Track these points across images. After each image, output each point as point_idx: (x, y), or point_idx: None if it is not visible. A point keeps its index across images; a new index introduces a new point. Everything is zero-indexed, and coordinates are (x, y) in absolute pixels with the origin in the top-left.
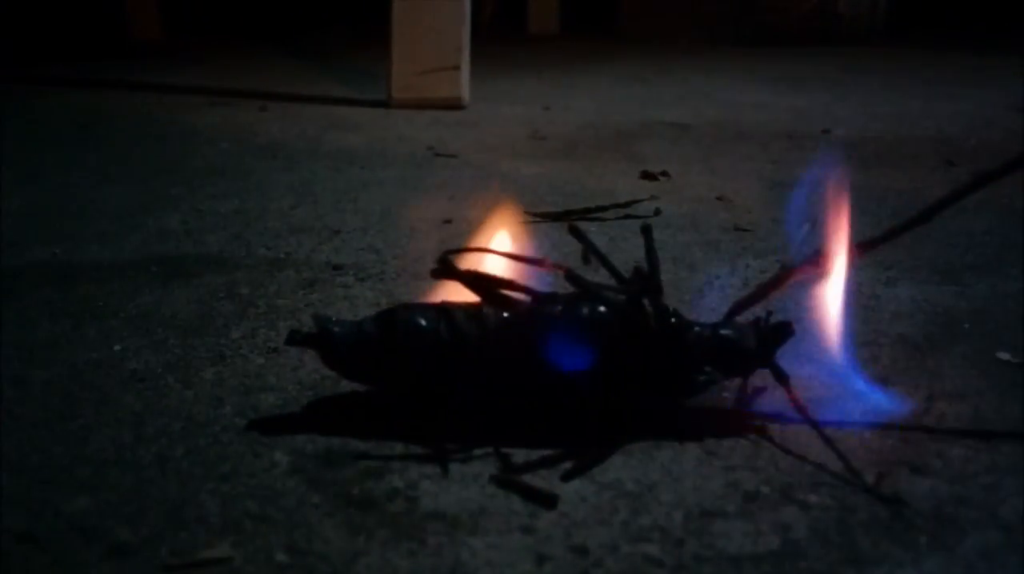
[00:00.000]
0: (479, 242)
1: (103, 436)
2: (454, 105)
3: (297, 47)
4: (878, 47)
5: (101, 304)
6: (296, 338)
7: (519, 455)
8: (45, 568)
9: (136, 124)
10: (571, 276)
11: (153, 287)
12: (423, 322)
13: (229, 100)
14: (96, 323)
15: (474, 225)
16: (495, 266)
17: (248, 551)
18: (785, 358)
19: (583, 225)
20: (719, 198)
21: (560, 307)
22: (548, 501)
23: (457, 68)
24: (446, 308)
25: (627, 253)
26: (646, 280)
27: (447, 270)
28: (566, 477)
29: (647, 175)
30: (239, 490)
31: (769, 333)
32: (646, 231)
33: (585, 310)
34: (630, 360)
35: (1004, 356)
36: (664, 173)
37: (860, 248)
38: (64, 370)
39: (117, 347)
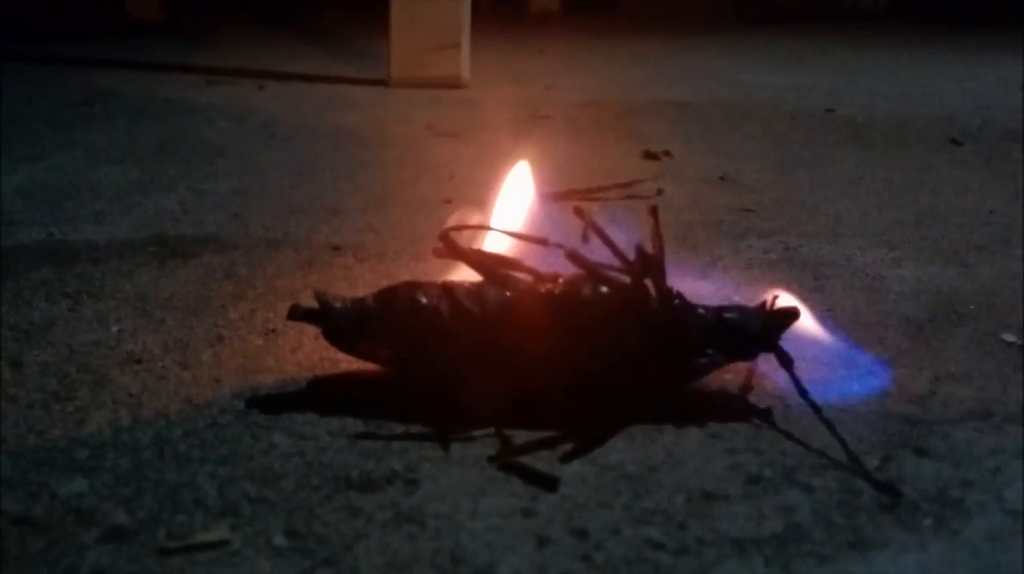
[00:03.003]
0: (481, 221)
1: (100, 418)
2: (454, 84)
3: (295, 25)
4: (882, 26)
5: (98, 285)
6: (297, 313)
7: (520, 437)
8: (41, 551)
9: (134, 103)
10: (573, 256)
11: (151, 268)
12: (424, 299)
13: (227, 79)
14: (93, 304)
15: (476, 205)
16: (497, 245)
17: (246, 534)
18: (788, 341)
19: (585, 205)
20: (722, 178)
21: (562, 287)
22: (549, 484)
23: (457, 47)
24: (448, 286)
25: (629, 233)
26: (649, 261)
27: (449, 249)
28: (567, 459)
29: (650, 155)
30: (237, 472)
31: (774, 317)
32: (653, 212)
33: (587, 290)
34: (633, 342)
35: (1009, 338)
36: (667, 153)
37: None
38: (61, 351)
39: (114, 328)
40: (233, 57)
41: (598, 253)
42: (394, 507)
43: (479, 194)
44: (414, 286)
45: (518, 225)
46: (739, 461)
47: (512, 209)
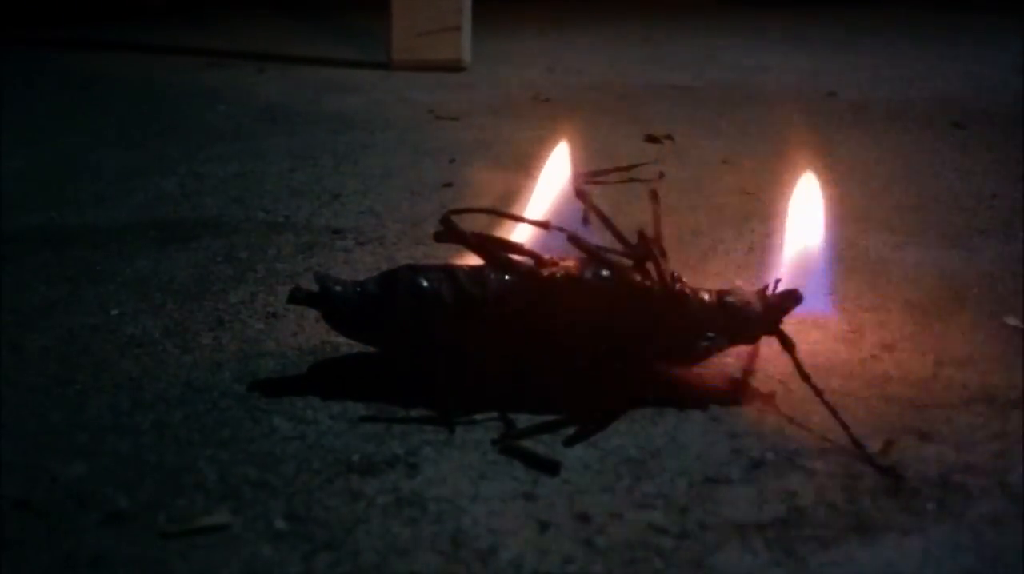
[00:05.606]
0: (482, 204)
1: (100, 402)
2: (455, 67)
3: (295, 7)
4: (885, 7)
5: (98, 268)
6: (297, 297)
7: (521, 421)
8: (41, 535)
9: (134, 86)
10: (574, 239)
11: (150, 251)
12: (425, 283)
13: (227, 61)
14: (93, 287)
15: (476, 188)
16: (498, 228)
17: (247, 518)
18: (790, 324)
19: (586, 188)
20: (724, 161)
21: (564, 270)
22: (551, 468)
23: (458, 29)
24: (449, 269)
25: (630, 217)
26: (650, 244)
27: (449, 232)
28: (568, 443)
29: (651, 138)
30: (238, 456)
31: (776, 300)
32: (654, 195)
33: (588, 274)
34: (634, 325)
35: (1012, 321)
36: (669, 136)
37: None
38: (61, 335)
39: (114, 312)
40: (233, 40)
41: (599, 236)
42: (395, 491)
43: (480, 177)
44: (415, 269)
45: (520, 208)
46: (741, 445)
47: (544, 193)
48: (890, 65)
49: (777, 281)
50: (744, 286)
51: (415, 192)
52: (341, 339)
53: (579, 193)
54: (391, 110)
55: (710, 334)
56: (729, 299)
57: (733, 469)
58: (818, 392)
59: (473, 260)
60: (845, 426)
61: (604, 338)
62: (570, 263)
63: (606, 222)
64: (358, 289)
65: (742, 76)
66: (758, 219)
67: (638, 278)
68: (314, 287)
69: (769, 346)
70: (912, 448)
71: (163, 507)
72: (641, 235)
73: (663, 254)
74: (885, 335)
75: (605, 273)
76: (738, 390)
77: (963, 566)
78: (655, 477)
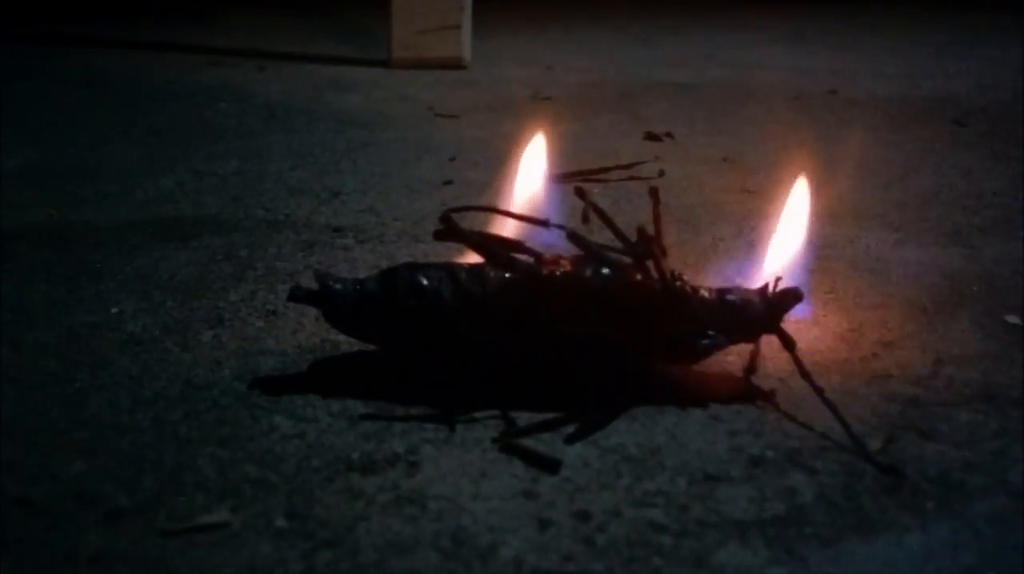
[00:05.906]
0: (482, 203)
1: (100, 399)
2: (455, 65)
3: (296, 6)
4: (886, 4)
5: (98, 266)
6: (297, 295)
7: (522, 419)
8: (41, 532)
9: (134, 84)
10: (574, 237)
11: (151, 249)
12: (425, 281)
13: (227, 60)
14: (93, 285)
15: (476, 186)
16: (497, 226)
17: (247, 516)
18: (790, 322)
19: (586, 186)
20: (724, 159)
21: (563, 268)
22: (551, 466)
23: (458, 27)
24: (449, 268)
25: (630, 215)
26: (650, 242)
27: (449, 230)
28: (569, 441)
29: (651, 136)
30: (238, 454)
31: (776, 298)
32: (654, 193)
33: (588, 272)
34: (634, 323)
35: (1013, 319)
36: (668, 134)
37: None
38: (61, 333)
39: (114, 310)
40: (233, 38)
41: (600, 234)
42: (395, 489)
43: (480, 175)
44: (415, 268)
45: (520, 206)
46: (741, 443)
47: (521, 187)
48: (891, 64)
49: (777, 279)
50: (744, 284)
51: (415, 190)
52: (341, 337)
53: (579, 191)
54: (391, 108)
55: (710, 332)
56: (729, 297)
57: (733, 467)
58: (818, 390)
59: (473, 258)
60: (845, 424)
61: (604, 336)
62: (570, 261)
63: (606, 220)
64: (358, 287)
65: (742, 74)
66: (758, 217)
67: (638, 276)
68: (314, 285)
69: (769, 344)
70: (912, 446)
71: (163, 505)
72: (641, 233)
73: (663, 252)
74: (885, 333)
75: (605, 271)
76: (738, 388)
77: (963, 564)
78: (655, 475)
